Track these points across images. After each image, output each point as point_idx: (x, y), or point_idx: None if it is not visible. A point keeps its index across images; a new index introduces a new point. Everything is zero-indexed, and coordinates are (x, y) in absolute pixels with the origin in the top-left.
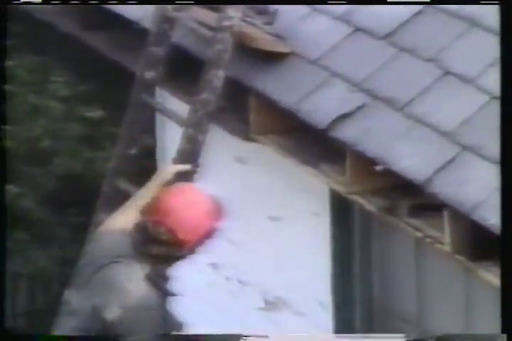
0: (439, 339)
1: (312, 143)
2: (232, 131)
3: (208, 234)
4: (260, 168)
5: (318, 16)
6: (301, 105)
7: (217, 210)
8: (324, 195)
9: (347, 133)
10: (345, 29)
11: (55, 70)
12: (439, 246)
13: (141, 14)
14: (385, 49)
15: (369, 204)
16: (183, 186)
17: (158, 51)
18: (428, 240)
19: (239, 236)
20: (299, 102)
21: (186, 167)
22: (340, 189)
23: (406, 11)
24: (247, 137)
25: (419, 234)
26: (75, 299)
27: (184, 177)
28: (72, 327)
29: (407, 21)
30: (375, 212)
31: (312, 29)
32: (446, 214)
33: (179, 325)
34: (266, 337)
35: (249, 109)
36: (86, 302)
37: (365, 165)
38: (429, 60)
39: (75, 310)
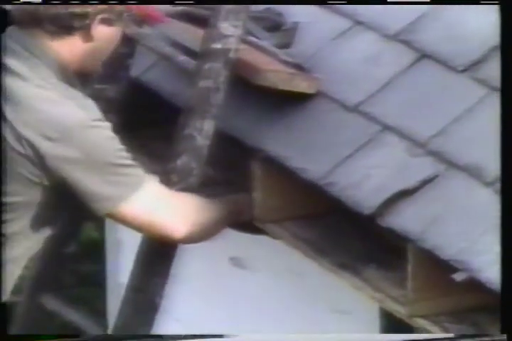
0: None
1: (351, 235)
2: None
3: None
4: (269, 274)
5: (362, 34)
6: (334, 177)
7: None
8: (372, 317)
9: (407, 221)
10: (405, 55)
11: None
12: None
13: None
14: (469, 88)
15: (444, 333)
16: None
17: (109, 90)
18: None
19: None
20: (330, 173)
21: None
22: (398, 309)
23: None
24: (249, 226)
25: None
26: None
27: None
28: None
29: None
30: None
31: (352, 55)
32: None
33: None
34: None
35: (252, 183)
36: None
37: (437, 271)
38: None
39: None
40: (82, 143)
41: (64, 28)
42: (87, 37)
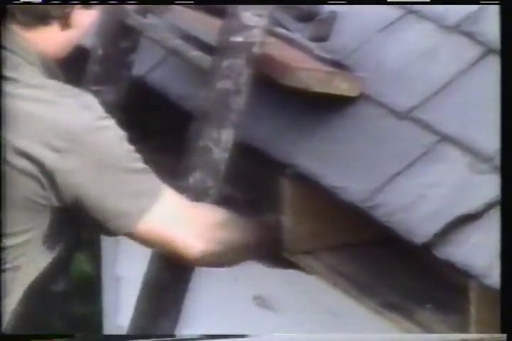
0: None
1: (401, 269)
2: None
3: None
4: (301, 317)
5: (415, 25)
6: (381, 198)
7: None
8: None
9: (469, 252)
10: (467, 51)
11: None
12: None
13: None
14: None
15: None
16: None
17: (108, 93)
18: None
19: None
20: (375, 193)
21: None
22: None
23: None
24: (276, 257)
25: None
26: None
27: None
28: None
29: None
30: None
31: (402, 50)
32: None
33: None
34: None
35: (280, 205)
36: None
37: None
38: None
39: None
40: (92, 149)
41: (40, 17)
42: (66, 25)
